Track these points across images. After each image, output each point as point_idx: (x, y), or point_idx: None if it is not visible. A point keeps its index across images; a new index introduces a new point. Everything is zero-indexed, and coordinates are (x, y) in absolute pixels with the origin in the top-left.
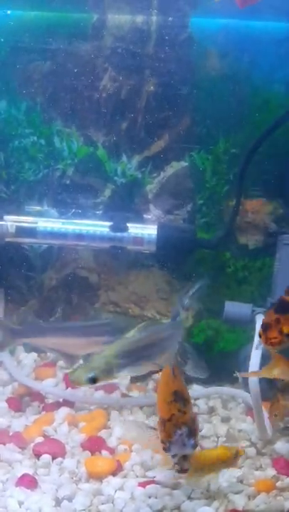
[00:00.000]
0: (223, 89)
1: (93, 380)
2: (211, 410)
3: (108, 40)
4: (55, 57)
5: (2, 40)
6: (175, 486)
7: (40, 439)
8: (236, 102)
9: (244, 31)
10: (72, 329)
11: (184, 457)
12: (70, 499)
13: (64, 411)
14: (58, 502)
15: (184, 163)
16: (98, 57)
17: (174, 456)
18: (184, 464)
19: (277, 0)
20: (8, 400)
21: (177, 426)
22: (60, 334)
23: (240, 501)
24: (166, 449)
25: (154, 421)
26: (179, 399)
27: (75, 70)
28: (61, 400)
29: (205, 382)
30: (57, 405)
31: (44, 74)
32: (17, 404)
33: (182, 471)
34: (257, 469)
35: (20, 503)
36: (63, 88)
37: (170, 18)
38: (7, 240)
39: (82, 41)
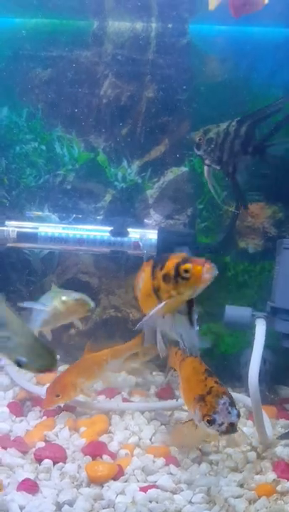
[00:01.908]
0: (222, 95)
1: None
2: None
3: (108, 46)
4: (56, 64)
5: (4, 47)
6: (176, 491)
7: (41, 444)
8: (235, 106)
9: (243, 37)
10: None
11: (232, 426)
12: (71, 504)
13: (65, 416)
14: (58, 506)
15: (183, 168)
16: (98, 63)
17: (220, 425)
18: (232, 431)
19: (278, 6)
20: (10, 405)
21: (219, 396)
22: None
23: (240, 505)
24: (211, 422)
25: (154, 425)
26: (212, 374)
27: (76, 77)
28: (62, 404)
29: None
30: (58, 410)
31: (45, 80)
32: (18, 409)
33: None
34: (257, 473)
35: (22, 508)
36: (64, 94)
37: (169, 25)
38: (8, 245)
39: (82, 48)
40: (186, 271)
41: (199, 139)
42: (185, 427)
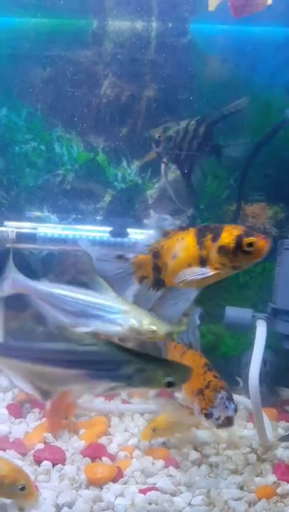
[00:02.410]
0: (222, 94)
1: None
2: None
3: (108, 46)
4: (56, 63)
5: (3, 47)
6: (175, 493)
7: (40, 446)
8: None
9: (243, 36)
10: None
11: (228, 419)
12: (70, 506)
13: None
14: (58, 508)
15: None
16: (98, 63)
17: (217, 419)
18: (229, 424)
19: (279, 6)
20: (9, 407)
21: (217, 391)
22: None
23: (240, 508)
24: (208, 415)
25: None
26: (211, 369)
27: (76, 77)
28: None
29: None
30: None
31: (45, 80)
32: (17, 410)
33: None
34: (257, 475)
35: (21, 509)
36: (64, 94)
37: (170, 24)
38: (7, 245)
39: (82, 48)
40: (250, 244)
41: (159, 136)
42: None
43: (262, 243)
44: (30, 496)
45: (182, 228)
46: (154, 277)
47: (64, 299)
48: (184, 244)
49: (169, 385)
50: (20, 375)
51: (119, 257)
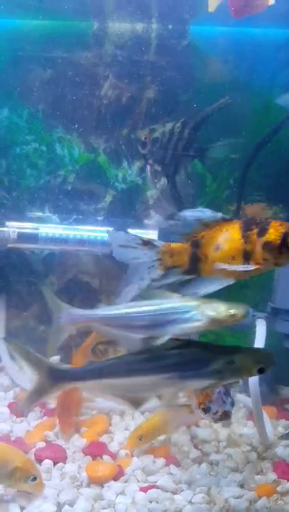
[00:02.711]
0: (223, 95)
1: None
2: None
3: (109, 48)
4: (57, 65)
5: (4, 48)
6: (176, 491)
7: (41, 444)
8: (236, 107)
9: (244, 38)
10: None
11: (226, 414)
12: (71, 504)
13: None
14: (59, 507)
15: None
16: (99, 64)
17: (215, 413)
18: (226, 418)
19: (280, 7)
20: (10, 405)
21: (214, 386)
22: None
23: (240, 506)
24: (206, 410)
25: None
26: None
27: (76, 78)
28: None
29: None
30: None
31: (45, 81)
32: (19, 409)
33: (225, 423)
34: (258, 474)
35: (22, 508)
36: (64, 95)
37: (170, 26)
38: (9, 245)
39: (83, 49)
40: None
41: (145, 138)
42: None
43: None
44: (39, 485)
45: (225, 219)
46: (189, 267)
47: (133, 316)
48: (229, 236)
49: (260, 371)
50: (109, 393)
51: (147, 243)
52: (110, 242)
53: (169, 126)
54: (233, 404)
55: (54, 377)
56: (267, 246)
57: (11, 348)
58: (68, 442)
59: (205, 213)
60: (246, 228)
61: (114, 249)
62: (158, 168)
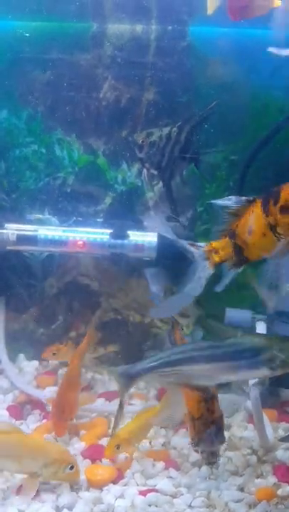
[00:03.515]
0: (222, 97)
1: None
2: None
3: (108, 49)
4: (56, 66)
5: (3, 50)
6: (176, 494)
7: None
8: (235, 108)
9: (243, 39)
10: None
11: (212, 453)
12: (70, 507)
13: None
14: (58, 510)
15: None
16: (98, 66)
17: (202, 452)
18: (212, 459)
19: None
20: (9, 408)
21: (206, 425)
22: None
23: (240, 509)
24: (194, 445)
25: (154, 429)
26: (208, 398)
27: (75, 79)
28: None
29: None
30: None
31: (45, 83)
32: (18, 412)
33: (210, 463)
34: (258, 477)
35: None
36: (64, 97)
37: (169, 27)
38: (8, 247)
39: (82, 51)
40: None
41: (142, 141)
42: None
43: None
44: (76, 473)
45: (250, 201)
46: (236, 259)
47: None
48: (255, 216)
49: None
50: (174, 382)
51: (192, 245)
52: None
53: (166, 130)
54: (223, 441)
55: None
56: (284, 210)
57: None
58: (68, 445)
59: (231, 200)
60: (265, 202)
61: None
62: (154, 172)
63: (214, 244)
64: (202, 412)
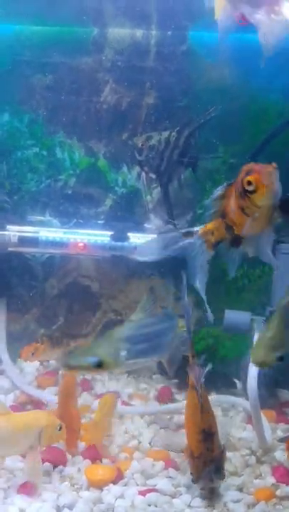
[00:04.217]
0: (221, 100)
1: (98, 365)
2: None
3: (108, 53)
4: (57, 70)
5: (5, 54)
6: (175, 494)
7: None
8: (235, 112)
9: (243, 44)
10: None
11: (212, 489)
12: (70, 507)
13: None
14: (58, 510)
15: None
16: (99, 70)
17: (201, 489)
18: (211, 495)
19: None
20: (10, 408)
21: (206, 464)
22: None
23: (239, 510)
24: (194, 481)
25: (154, 429)
26: (207, 436)
27: (76, 83)
28: None
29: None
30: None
31: (46, 87)
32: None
33: (210, 498)
34: (256, 478)
35: (22, 511)
36: (65, 100)
37: (169, 32)
38: (10, 249)
39: (83, 55)
40: (250, 183)
41: (142, 145)
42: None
43: (259, 179)
44: (63, 432)
45: (230, 184)
46: (231, 237)
47: None
48: (233, 197)
49: None
50: None
51: (186, 233)
52: (159, 246)
53: (165, 134)
54: (222, 478)
55: None
56: (242, 195)
57: None
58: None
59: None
60: (236, 185)
61: (164, 251)
62: (153, 175)
63: (208, 226)
64: (201, 451)
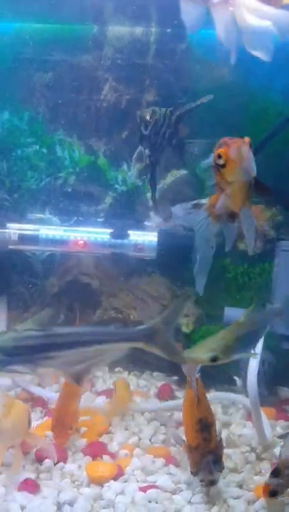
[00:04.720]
0: (221, 98)
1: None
2: None
3: (108, 51)
4: (57, 68)
5: (5, 52)
6: (175, 491)
7: None
8: (234, 110)
9: (241, 41)
10: None
11: (212, 481)
12: (71, 504)
13: None
14: (59, 506)
15: (183, 171)
16: (99, 68)
17: (201, 481)
18: (210, 487)
19: None
20: None
21: (204, 455)
22: None
23: (239, 506)
24: (193, 474)
25: (154, 426)
26: (204, 427)
27: (76, 81)
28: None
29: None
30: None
31: (46, 85)
32: None
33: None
34: (256, 474)
35: (23, 508)
36: (65, 98)
37: (168, 30)
38: (10, 247)
39: (83, 52)
40: (219, 156)
41: (150, 118)
42: None
43: (231, 155)
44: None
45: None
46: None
47: None
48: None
49: None
50: None
51: (197, 205)
52: (175, 217)
53: (163, 111)
54: (221, 469)
55: None
56: (215, 169)
57: None
58: (69, 442)
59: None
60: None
61: (179, 222)
62: (147, 152)
63: (211, 198)
64: (199, 442)
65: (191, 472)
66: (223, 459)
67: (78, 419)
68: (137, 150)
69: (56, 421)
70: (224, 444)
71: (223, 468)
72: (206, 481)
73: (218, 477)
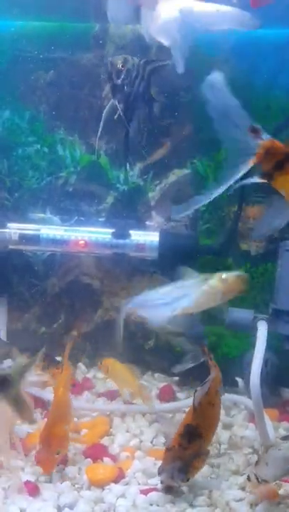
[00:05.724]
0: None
1: None
2: None
3: (110, 49)
4: (58, 66)
5: (6, 50)
6: (177, 494)
7: None
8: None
9: (245, 38)
10: None
11: (167, 488)
12: (71, 507)
13: None
14: (59, 509)
15: (185, 171)
16: (100, 66)
17: (161, 482)
18: (167, 490)
19: (280, 7)
20: None
21: (173, 459)
22: None
23: (242, 509)
24: (158, 472)
25: (155, 428)
26: (187, 434)
27: (78, 79)
28: None
29: None
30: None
31: (47, 83)
32: None
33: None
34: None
35: (22, 510)
36: (66, 97)
37: None
38: (10, 247)
39: (84, 50)
40: None
41: (122, 66)
42: None
43: None
44: None
45: None
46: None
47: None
48: None
49: None
50: None
51: (254, 129)
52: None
53: (136, 60)
54: (183, 480)
55: None
56: None
57: None
58: (69, 444)
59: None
60: None
61: None
62: (120, 106)
63: (276, 143)
64: (174, 444)
65: (158, 470)
66: (194, 475)
67: (68, 444)
68: (109, 103)
69: (42, 445)
70: (207, 461)
71: (188, 480)
72: (165, 485)
73: (179, 487)
